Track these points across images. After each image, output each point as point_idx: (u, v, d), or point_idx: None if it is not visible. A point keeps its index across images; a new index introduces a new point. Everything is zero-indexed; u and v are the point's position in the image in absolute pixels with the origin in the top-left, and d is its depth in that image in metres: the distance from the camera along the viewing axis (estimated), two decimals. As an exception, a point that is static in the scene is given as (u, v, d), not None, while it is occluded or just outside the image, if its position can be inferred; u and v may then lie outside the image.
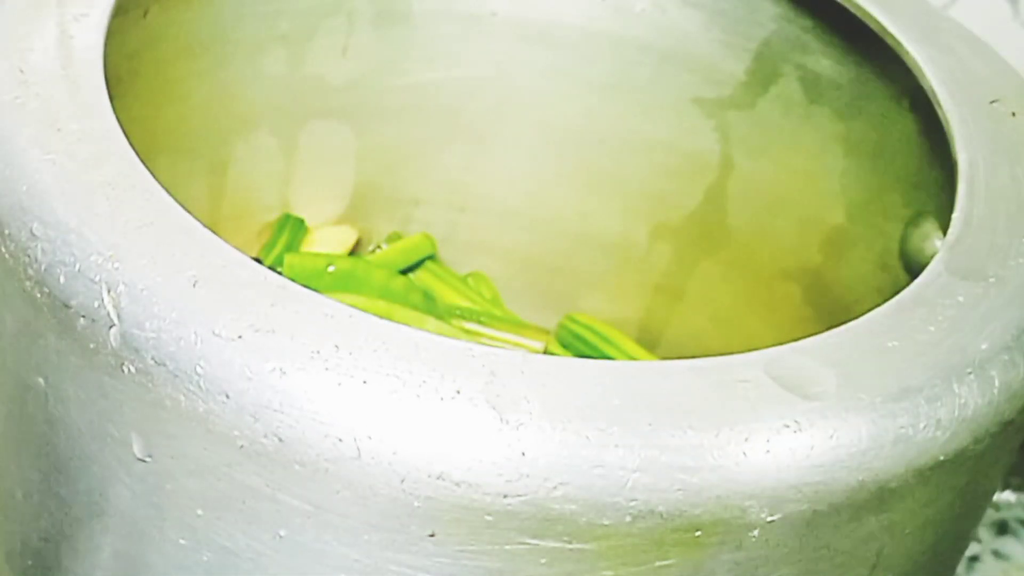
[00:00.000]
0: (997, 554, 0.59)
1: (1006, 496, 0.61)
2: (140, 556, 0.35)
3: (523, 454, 0.30)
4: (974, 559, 0.59)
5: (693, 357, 0.33)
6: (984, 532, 0.59)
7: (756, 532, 0.32)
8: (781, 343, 0.34)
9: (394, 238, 0.56)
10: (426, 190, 0.52)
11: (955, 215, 0.38)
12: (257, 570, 0.33)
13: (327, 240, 0.55)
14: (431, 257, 0.56)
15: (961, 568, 0.58)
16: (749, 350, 0.33)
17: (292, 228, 0.54)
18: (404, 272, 0.55)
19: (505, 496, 0.30)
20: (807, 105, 0.50)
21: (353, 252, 0.56)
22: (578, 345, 0.56)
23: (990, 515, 0.60)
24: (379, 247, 0.56)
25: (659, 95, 0.53)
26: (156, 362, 0.31)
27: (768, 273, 0.53)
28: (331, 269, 0.53)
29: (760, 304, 0.53)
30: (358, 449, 0.30)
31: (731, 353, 0.33)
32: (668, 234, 0.55)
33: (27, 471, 0.36)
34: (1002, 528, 0.60)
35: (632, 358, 0.54)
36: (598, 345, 0.55)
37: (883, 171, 0.48)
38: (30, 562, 0.38)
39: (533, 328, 0.56)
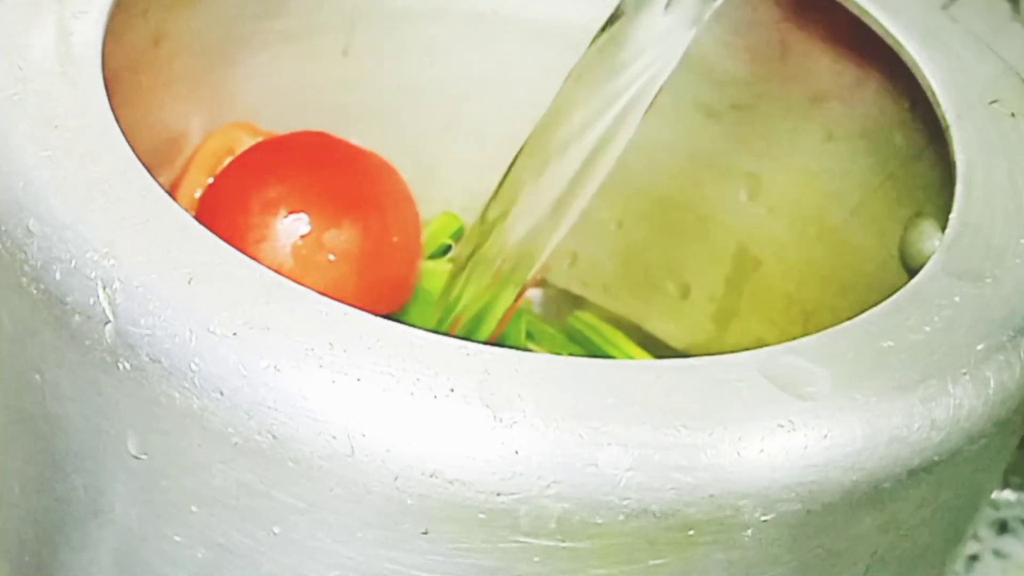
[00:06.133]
0: (997, 553, 0.59)
1: (1006, 495, 0.60)
2: (136, 552, 0.35)
3: (516, 452, 0.30)
4: (974, 558, 0.59)
5: (691, 356, 0.33)
6: (984, 531, 0.59)
7: (749, 532, 0.32)
8: (780, 343, 0.34)
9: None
10: (426, 190, 0.52)
11: (952, 215, 0.38)
12: (251, 567, 0.33)
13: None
14: (460, 231, 0.56)
15: (961, 567, 0.58)
16: (749, 349, 0.33)
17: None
18: (433, 256, 0.55)
19: (498, 494, 0.30)
20: (807, 105, 0.50)
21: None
22: (583, 344, 0.56)
23: (990, 514, 0.60)
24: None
25: (660, 95, 0.53)
26: (151, 359, 0.31)
27: (768, 273, 0.53)
28: None
29: (760, 304, 0.53)
30: (352, 447, 0.30)
31: (731, 352, 0.33)
32: (668, 234, 0.55)
33: (24, 467, 0.36)
34: (1002, 527, 0.60)
35: (631, 359, 0.54)
36: (601, 346, 0.56)
37: (883, 171, 0.48)
38: (27, 558, 0.38)
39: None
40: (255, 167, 0.49)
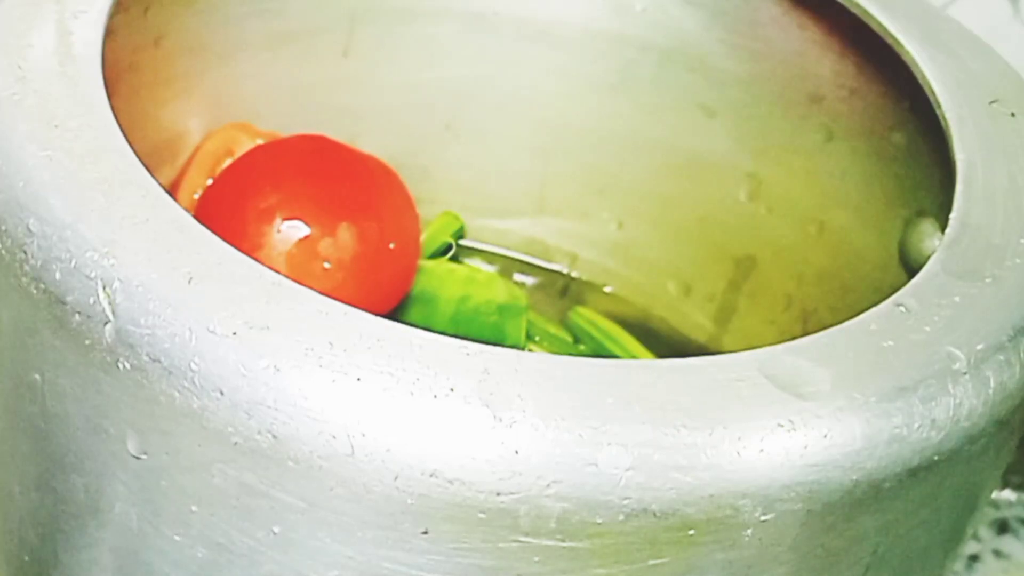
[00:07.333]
0: (998, 553, 0.59)
1: (1006, 495, 0.60)
2: (136, 552, 0.35)
3: (516, 452, 0.30)
4: (974, 558, 0.59)
5: (691, 356, 0.33)
6: (984, 531, 0.59)
7: (749, 531, 0.32)
8: (780, 343, 0.34)
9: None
10: (426, 190, 0.52)
11: (952, 215, 0.38)
12: (251, 566, 0.33)
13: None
14: (460, 231, 0.56)
15: (961, 567, 0.58)
16: (749, 349, 0.33)
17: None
18: (434, 255, 0.55)
19: (498, 494, 0.30)
20: (807, 105, 0.50)
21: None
22: (584, 340, 0.56)
23: (990, 514, 0.60)
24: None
25: (660, 95, 0.53)
26: (151, 358, 0.31)
27: (768, 273, 0.53)
28: None
29: (760, 304, 0.53)
30: (352, 446, 0.30)
31: (731, 352, 0.33)
32: (668, 234, 0.55)
33: (24, 466, 0.36)
34: (1003, 527, 0.60)
35: (633, 356, 0.55)
36: (602, 341, 0.56)
37: (883, 171, 0.48)
38: (27, 558, 0.38)
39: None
40: (252, 174, 0.49)
